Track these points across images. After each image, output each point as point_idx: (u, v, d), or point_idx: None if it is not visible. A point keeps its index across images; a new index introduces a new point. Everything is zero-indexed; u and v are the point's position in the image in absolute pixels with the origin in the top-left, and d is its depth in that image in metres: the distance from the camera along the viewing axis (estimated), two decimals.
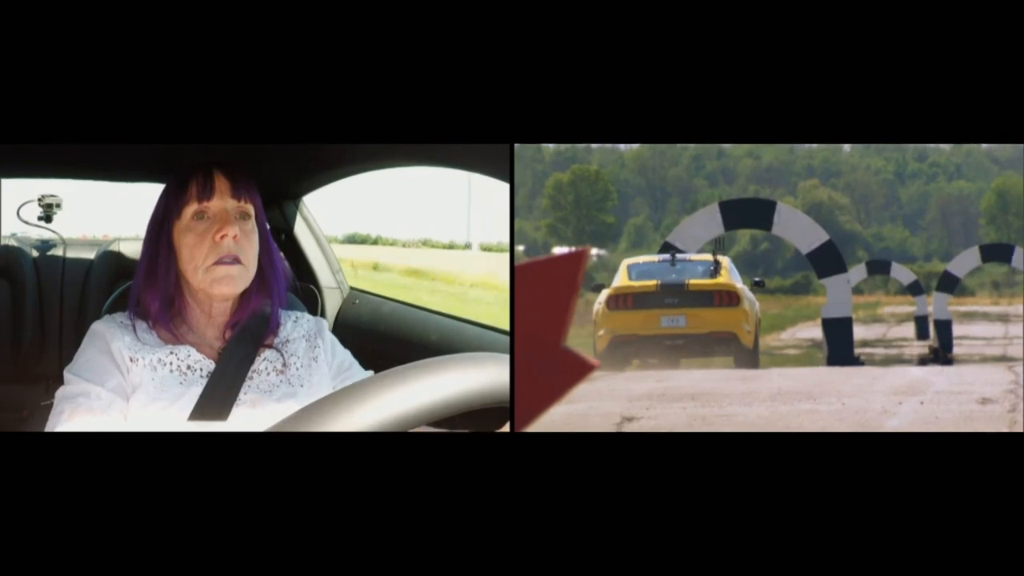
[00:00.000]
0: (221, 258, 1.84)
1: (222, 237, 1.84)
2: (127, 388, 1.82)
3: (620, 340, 6.87)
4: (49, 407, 1.85)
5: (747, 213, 8.01)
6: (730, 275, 7.12)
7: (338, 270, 3.28)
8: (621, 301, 6.90)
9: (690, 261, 7.25)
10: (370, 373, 2.00)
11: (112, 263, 3.17)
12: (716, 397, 4.53)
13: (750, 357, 6.96)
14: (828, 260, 7.81)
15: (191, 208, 1.87)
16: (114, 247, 3.23)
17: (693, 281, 6.94)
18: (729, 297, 6.94)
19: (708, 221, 7.91)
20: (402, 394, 1.06)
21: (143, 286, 1.92)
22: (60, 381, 1.87)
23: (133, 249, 3.25)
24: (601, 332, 6.92)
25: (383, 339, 3.02)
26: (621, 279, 7.05)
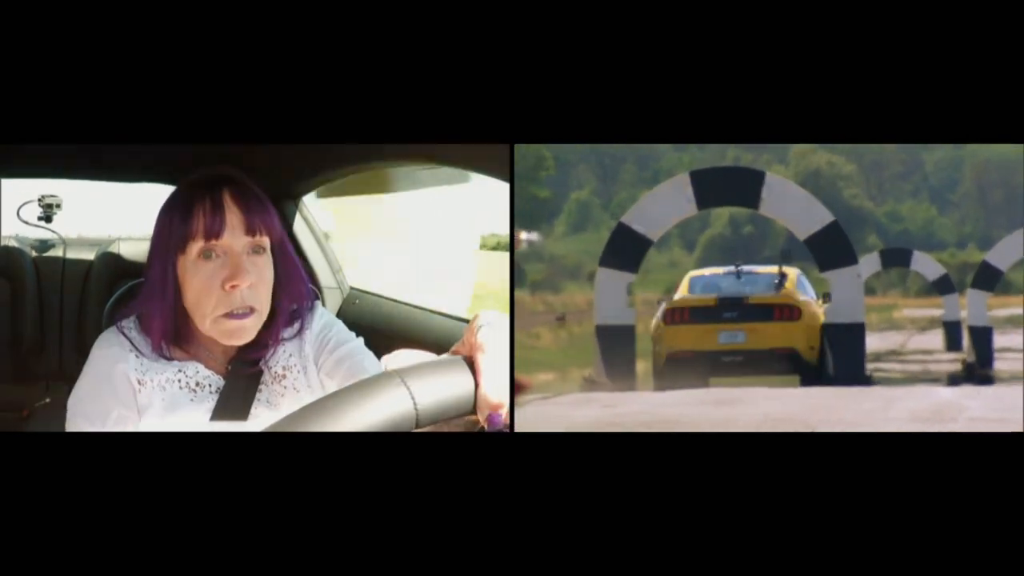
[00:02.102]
0: (232, 312, 1.66)
1: (233, 287, 1.65)
2: (130, 417, 1.69)
3: (676, 356, 6.38)
4: (48, 406, 1.84)
5: (726, 186, 6.45)
6: (796, 288, 6.54)
7: (338, 270, 3.28)
8: (678, 315, 6.39)
9: (757, 273, 6.65)
10: (373, 359, 1.90)
11: (112, 263, 3.17)
12: (682, 427, 3.82)
13: (815, 375, 6.34)
14: (832, 248, 6.29)
15: (197, 245, 1.67)
16: (114, 247, 3.23)
17: (754, 295, 6.41)
18: (790, 311, 6.36)
19: (675, 197, 6.38)
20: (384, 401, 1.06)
21: (150, 317, 1.74)
22: (60, 381, 1.86)
23: (133, 249, 3.25)
24: (658, 348, 6.48)
25: (383, 339, 3.01)
26: (681, 292, 6.56)
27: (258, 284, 1.69)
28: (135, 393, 1.70)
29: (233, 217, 1.68)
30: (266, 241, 1.73)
